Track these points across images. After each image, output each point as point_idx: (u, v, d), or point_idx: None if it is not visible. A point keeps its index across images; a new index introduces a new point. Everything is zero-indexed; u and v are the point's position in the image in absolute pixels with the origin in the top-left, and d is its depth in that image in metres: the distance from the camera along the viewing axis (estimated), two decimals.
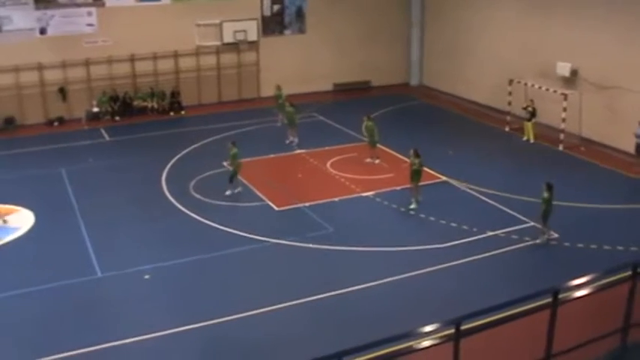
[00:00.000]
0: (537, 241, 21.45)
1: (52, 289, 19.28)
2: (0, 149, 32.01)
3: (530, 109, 31.70)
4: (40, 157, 30.50)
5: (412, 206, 24.10)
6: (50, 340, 16.75)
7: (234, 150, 25.94)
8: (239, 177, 25.97)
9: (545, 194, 21.12)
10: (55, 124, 35.53)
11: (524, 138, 32.16)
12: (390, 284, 19.19)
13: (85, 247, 21.66)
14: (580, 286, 9.72)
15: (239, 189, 25.85)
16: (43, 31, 35.41)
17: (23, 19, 34.78)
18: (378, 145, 29.22)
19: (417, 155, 24.46)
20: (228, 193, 25.62)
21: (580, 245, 21.24)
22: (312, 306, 18.16)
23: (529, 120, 31.87)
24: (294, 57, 40.63)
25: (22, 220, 23.89)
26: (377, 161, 28.86)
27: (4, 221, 23.69)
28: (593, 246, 21.12)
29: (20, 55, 34.61)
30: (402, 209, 24.25)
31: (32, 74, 35.37)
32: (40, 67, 35.41)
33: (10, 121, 35.06)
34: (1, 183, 26.92)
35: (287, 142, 31.11)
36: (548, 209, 21.22)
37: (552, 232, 21.69)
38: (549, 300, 9.19)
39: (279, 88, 34.81)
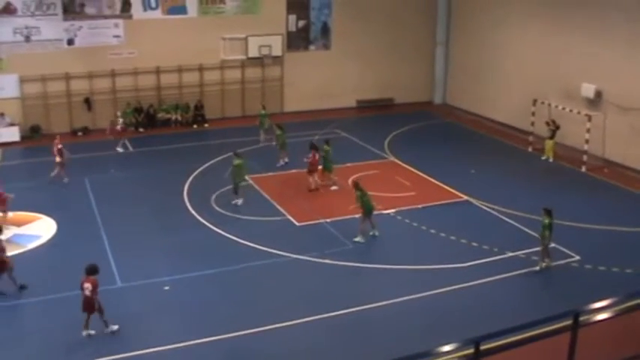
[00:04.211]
0: (537, 268, 21.09)
1: (72, 297, 19.32)
2: (25, 157, 32.35)
3: (552, 127, 31.57)
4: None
5: (357, 239, 23.12)
6: (69, 348, 16.88)
7: (238, 161, 26.39)
8: (242, 188, 26.56)
9: (546, 220, 20.83)
10: (80, 134, 35.82)
11: (544, 157, 32.04)
12: (409, 302, 19.14)
13: (106, 257, 21.76)
14: (601, 310, 9.62)
15: (241, 200, 26.34)
16: (70, 42, 35.81)
17: (51, 29, 35.24)
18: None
19: (356, 187, 23.63)
20: (239, 202, 26.21)
21: (602, 268, 21.08)
22: (330, 322, 18.13)
23: (551, 138, 31.76)
24: (318, 73, 40.75)
25: (44, 228, 24.08)
26: (333, 188, 28.08)
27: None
28: (615, 269, 20.96)
29: (48, 65, 35.02)
30: (423, 227, 24.19)
31: (59, 84, 35.77)
32: (67, 77, 35.78)
33: (35, 130, 35.42)
34: (25, 191, 27.09)
35: (278, 165, 30.69)
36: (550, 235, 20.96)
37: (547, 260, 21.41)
38: (570, 322, 9.12)
39: (264, 107, 35.21)
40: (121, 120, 34.05)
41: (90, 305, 17.36)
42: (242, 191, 26.48)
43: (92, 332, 17.53)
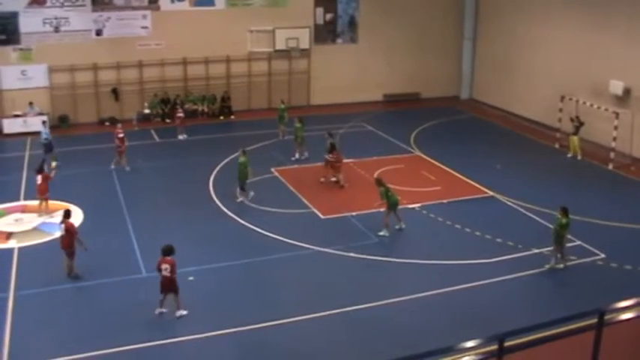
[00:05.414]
0: (560, 266, 20.89)
1: (97, 286, 19.58)
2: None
3: (576, 123, 31.32)
4: (90, 156, 30.98)
5: (382, 233, 23.06)
6: (93, 337, 16.99)
7: (242, 159, 26.19)
8: (246, 183, 26.20)
9: (564, 220, 20.57)
10: (107, 123, 36.05)
11: (569, 154, 31.80)
12: (433, 297, 19.12)
13: (132, 246, 21.96)
14: (627, 309, 9.55)
15: (241, 198, 26.10)
16: (99, 33, 36.11)
17: (80, 20, 35.57)
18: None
19: (379, 184, 23.58)
20: (239, 199, 26.01)
21: (628, 267, 20.91)
22: (353, 316, 18.15)
23: (575, 134, 31.51)
24: (345, 66, 40.73)
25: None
26: (333, 179, 27.95)
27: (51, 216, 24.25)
28: None
29: (76, 56, 35.36)
30: (448, 222, 24.13)
31: (87, 74, 36.09)
32: (95, 68, 36.06)
33: (63, 119, 35.76)
34: (53, 180, 27.37)
35: (293, 158, 30.84)
36: (566, 235, 20.76)
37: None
38: (594, 321, 9.06)
39: (283, 102, 35.17)
40: (179, 108, 35.35)
41: (171, 285, 17.80)
42: (247, 188, 26.28)
43: (164, 310, 18.01)
